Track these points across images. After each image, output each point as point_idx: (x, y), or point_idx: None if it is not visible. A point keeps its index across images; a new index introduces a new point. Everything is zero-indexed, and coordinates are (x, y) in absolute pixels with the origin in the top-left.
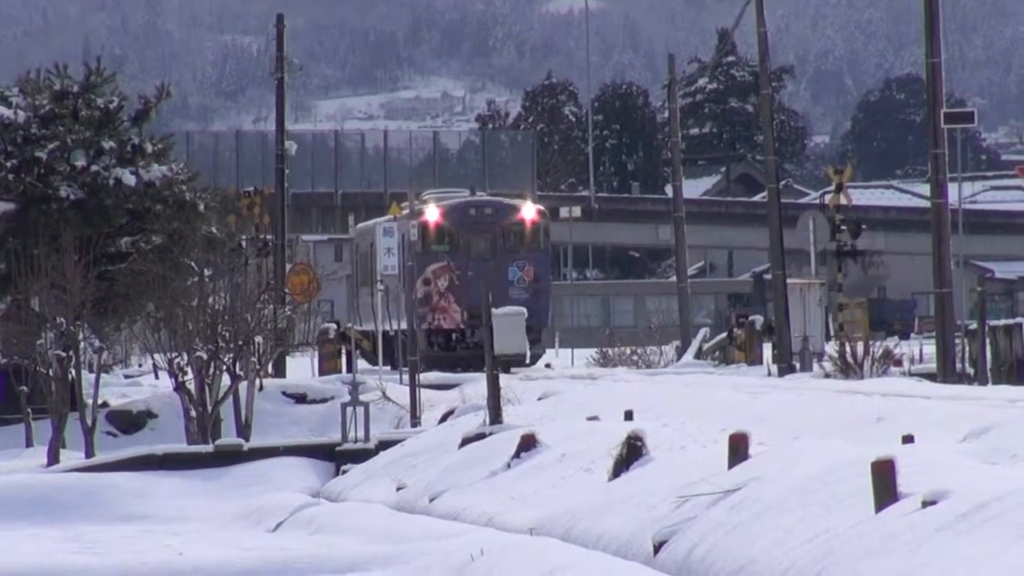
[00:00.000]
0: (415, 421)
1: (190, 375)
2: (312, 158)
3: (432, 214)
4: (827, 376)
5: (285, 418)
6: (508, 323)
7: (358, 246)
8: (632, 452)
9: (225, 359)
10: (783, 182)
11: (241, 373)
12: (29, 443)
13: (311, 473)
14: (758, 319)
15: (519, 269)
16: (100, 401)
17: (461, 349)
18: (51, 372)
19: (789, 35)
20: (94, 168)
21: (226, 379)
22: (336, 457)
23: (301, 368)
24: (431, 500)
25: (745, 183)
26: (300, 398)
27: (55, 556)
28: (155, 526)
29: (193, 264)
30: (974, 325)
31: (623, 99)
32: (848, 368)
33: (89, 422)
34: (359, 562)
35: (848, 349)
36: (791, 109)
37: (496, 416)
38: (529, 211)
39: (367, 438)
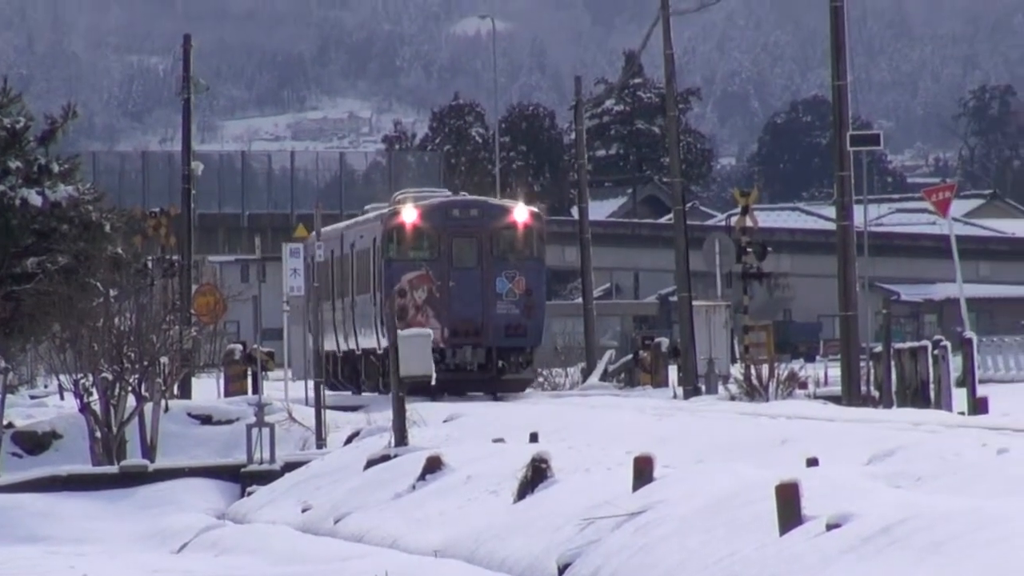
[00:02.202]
0: (321, 443)
1: (95, 396)
2: (219, 179)
3: (409, 215)
4: (732, 398)
5: (190, 439)
6: (414, 344)
7: (314, 256)
8: (537, 474)
9: (130, 380)
10: (689, 204)
11: (146, 394)
12: None
13: (216, 494)
14: (664, 341)
15: (509, 280)
16: (5, 422)
17: (441, 371)
18: None
19: (696, 57)
20: (1, 187)
21: (131, 400)
22: (241, 478)
23: (207, 389)
24: (336, 522)
25: (651, 205)
26: (206, 419)
27: None
28: (60, 547)
29: (99, 285)
30: (879, 348)
31: (530, 120)
32: (753, 391)
33: None
34: None
35: (753, 372)
36: (697, 131)
37: (401, 438)
38: (521, 213)
39: (272, 459)
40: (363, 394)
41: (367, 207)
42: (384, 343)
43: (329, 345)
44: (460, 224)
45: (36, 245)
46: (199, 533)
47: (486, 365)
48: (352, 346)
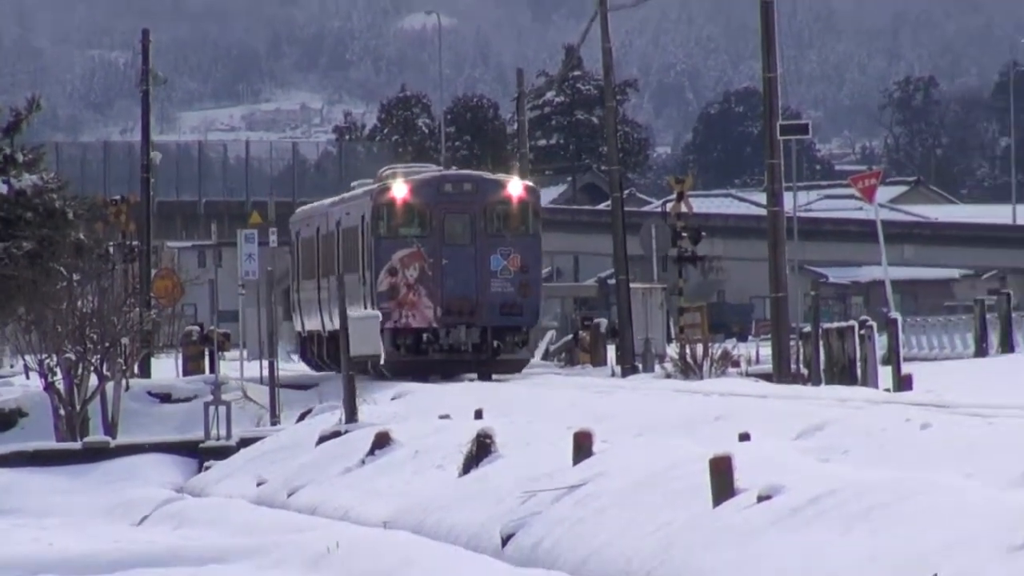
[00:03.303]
0: (275, 419)
1: (59, 375)
2: (177, 168)
3: (399, 190)
4: (668, 376)
5: (150, 416)
6: (363, 326)
7: (299, 233)
8: (482, 449)
9: (93, 360)
10: (626, 191)
11: (108, 374)
12: None
13: (175, 469)
14: (603, 322)
15: (503, 257)
16: None
17: (434, 352)
18: None
19: (632, 50)
20: None
21: (94, 379)
22: (199, 454)
23: (166, 369)
24: (289, 495)
25: (590, 192)
26: (165, 397)
27: None
28: (25, 519)
29: (62, 269)
30: (808, 328)
31: (474, 111)
32: (688, 369)
33: None
34: (221, 554)
35: (688, 351)
36: (634, 121)
37: (352, 415)
38: (516, 188)
39: (229, 435)
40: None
41: (354, 183)
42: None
43: (312, 325)
44: (452, 199)
45: (2, 231)
46: (159, 506)
47: (481, 345)
48: (338, 326)
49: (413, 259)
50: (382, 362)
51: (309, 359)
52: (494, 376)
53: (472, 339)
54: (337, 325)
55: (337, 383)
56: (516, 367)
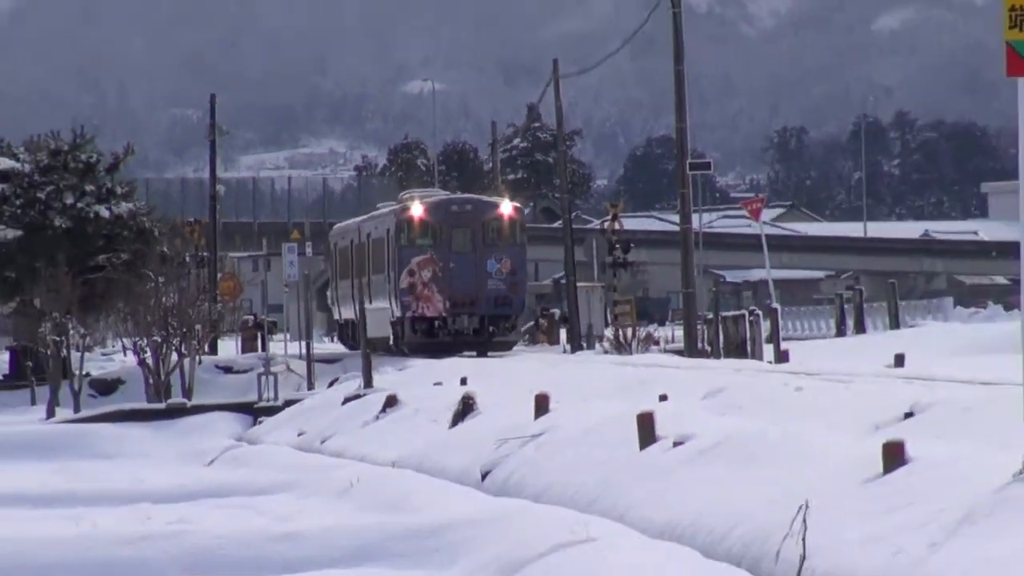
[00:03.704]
0: (310, 386)
1: (149, 353)
2: (236, 197)
3: (417, 210)
4: (606, 352)
5: (217, 384)
6: (377, 315)
7: (336, 244)
8: (466, 408)
9: (174, 342)
10: (573, 213)
11: (185, 352)
12: (33, 402)
13: (236, 424)
14: (557, 312)
15: (497, 262)
16: (84, 372)
17: (443, 336)
18: (49, 351)
19: (578, 107)
20: (79, 205)
21: (174, 356)
22: (253, 412)
23: (228, 348)
24: (322, 442)
25: (547, 214)
26: (227, 369)
27: (50, 484)
28: (124, 462)
29: (151, 274)
30: (711, 315)
31: (460, 154)
32: (621, 347)
33: (76, 387)
34: (270, 487)
35: (621, 333)
36: (579, 160)
37: (368, 382)
38: (506, 208)
39: (276, 398)
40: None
41: (379, 205)
42: (397, 313)
43: (347, 314)
44: (457, 217)
45: (105, 246)
46: (224, 451)
47: (480, 330)
48: (389, 315)
49: (427, 263)
50: (402, 342)
51: (345, 340)
52: (489, 353)
53: (473, 325)
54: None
55: (358, 358)
56: (507, 346)
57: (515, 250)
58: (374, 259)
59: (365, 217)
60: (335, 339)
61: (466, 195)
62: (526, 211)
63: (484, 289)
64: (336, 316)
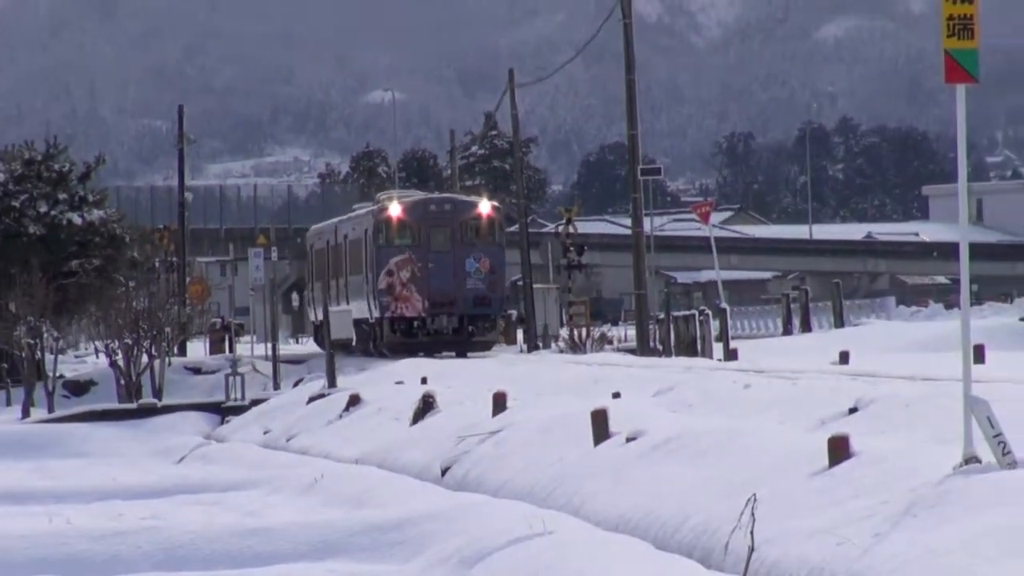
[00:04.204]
0: (276, 385)
1: (120, 355)
2: (203, 204)
3: (395, 209)
4: (561, 352)
5: (186, 384)
6: (341, 317)
7: (312, 245)
8: (426, 406)
9: (144, 344)
10: (529, 217)
11: (155, 353)
12: (8, 403)
13: (204, 422)
14: (514, 312)
15: (476, 261)
16: (58, 374)
17: (422, 336)
18: (24, 354)
19: (534, 115)
20: (52, 213)
21: (145, 358)
22: (221, 411)
23: (197, 350)
24: (287, 440)
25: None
26: (196, 370)
27: (25, 482)
28: (97, 460)
29: (121, 279)
30: (662, 315)
31: (420, 161)
32: (575, 346)
33: (50, 388)
34: (238, 484)
35: (575, 333)
36: (535, 167)
37: (332, 382)
38: (485, 207)
39: (243, 397)
40: (353, 355)
41: (355, 206)
42: (376, 313)
43: (323, 315)
44: (436, 216)
45: (77, 252)
46: (193, 450)
47: (459, 329)
48: (351, 316)
49: (406, 263)
50: (381, 343)
51: (320, 341)
52: (469, 354)
53: (452, 325)
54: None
55: (322, 359)
56: (486, 346)
57: (494, 249)
58: (351, 260)
59: (342, 218)
60: (303, 340)
61: (445, 194)
62: None
63: (463, 289)
64: (312, 318)
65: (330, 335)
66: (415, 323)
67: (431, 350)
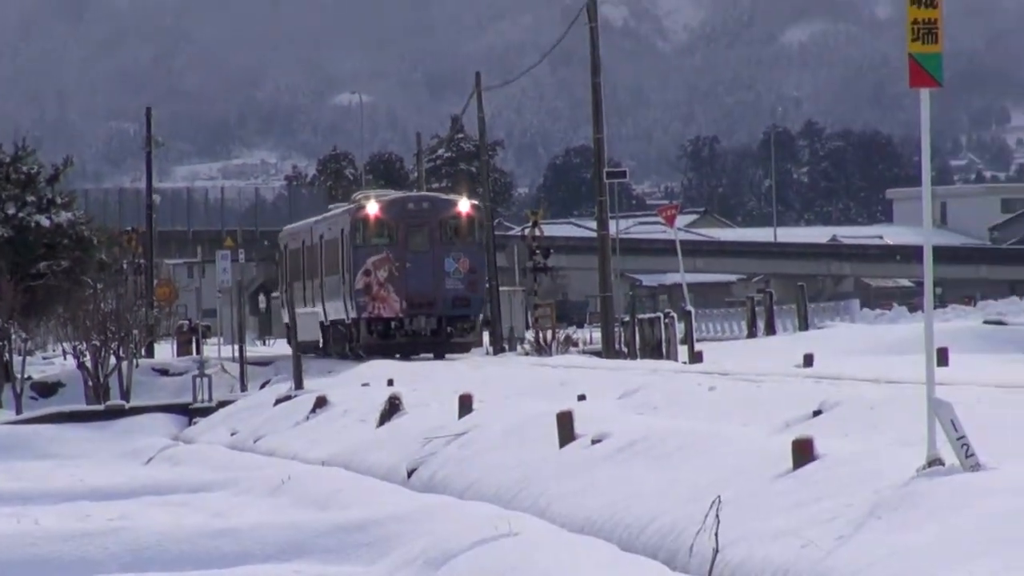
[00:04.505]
0: (243, 387)
1: (88, 357)
2: (171, 206)
3: (372, 208)
4: (527, 354)
5: (154, 386)
6: (308, 319)
7: (287, 246)
8: (393, 408)
9: (112, 345)
10: (496, 220)
11: (123, 355)
12: None
13: (172, 424)
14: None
15: (455, 261)
16: (26, 375)
17: (400, 337)
18: None
19: (501, 118)
20: (20, 215)
21: (113, 359)
22: (189, 412)
23: (164, 351)
24: (255, 441)
25: None
26: (164, 372)
27: None
28: (65, 462)
29: (89, 280)
30: (628, 317)
31: (386, 164)
32: (541, 348)
33: (18, 390)
34: (205, 485)
35: (541, 335)
36: (501, 169)
37: (299, 384)
38: (464, 206)
39: (210, 399)
40: (329, 357)
41: (331, 206)
42: (353, 314)
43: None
44: (414, 215)
45: (46, 254)
46: (160, 451)
47: (438, 330)
48: (320, 318)
49: (383, 263)
50: (357, 344)
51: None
52: (447, 356)
53: (431, 326)
54: (323, 316)
55: (289, 361)
56: (465, 348)
57: (474, 249)
58: (327, 260)
59: (318, 218)
60: (270, 342)
61: (423, 193)
62: None
63: (442, 289)
64: (286, 319)
65: (296, 337)
66: (392, 324)
67: (409, 351)
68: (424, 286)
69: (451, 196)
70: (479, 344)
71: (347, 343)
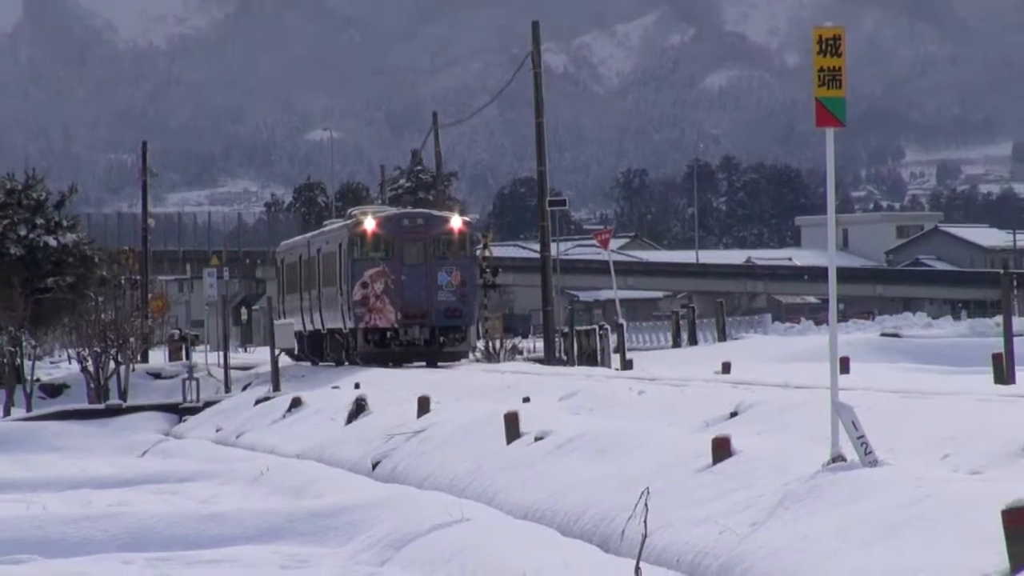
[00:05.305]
0: (227, 389)
1: (90, 362)
2: (164, 229)
3: (369, 224)
4: (478, 361)
5: (148, 388)
6: (284, 329)
7: (283, 260)
8: (359, 408)
9: (111, 352)
10: None
11: (121, 360)
12: None
13: (164, 422)
14: None
15: (447, 274)
16: (35, 377)
17: (395, 346)
18: (4, 360)
19: (455, 152)
20: (31, 236)
21: (112, 364)
22: (179, 412)
23: (158, 357)
24: (237, 437)
25: None
26: (157, 375)
27: (5, 472)
28: (68, 454)
29: (92, 294)
30: (567, 329)
31: (354, 192)
32: (491, 356)
33: (28, 391)
34: (193, 475)
35: (490, 344)
36: (455, 198)
37: (276, 386)
38: (456, 222)
39: (198, 400)
40: (325, 364)
41: (326, 222)
42: (350, 324)
43: (296, 327)
44: (409, 231)
45: (53, 270)
46: (154, 445)
47: (430, 340)
48: (318, 327)
49: (380, 276)
50: (354, 352)
51: (289, 352)
52: (440, 364)
53: (424, 336)
54: (316, 327)
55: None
56: (457, 356)
57: (465, 263)
58: (325, 272)
59: (315, 233)
60: (251, 349)
61: (418, 210)
62: None
63: (435, 301)
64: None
65: (274, 344)
66: (388, 334)
67: (403, 360)
68: (418, 298)
69: (444, 213)
70: (471, 353)
71: (344, 351)
